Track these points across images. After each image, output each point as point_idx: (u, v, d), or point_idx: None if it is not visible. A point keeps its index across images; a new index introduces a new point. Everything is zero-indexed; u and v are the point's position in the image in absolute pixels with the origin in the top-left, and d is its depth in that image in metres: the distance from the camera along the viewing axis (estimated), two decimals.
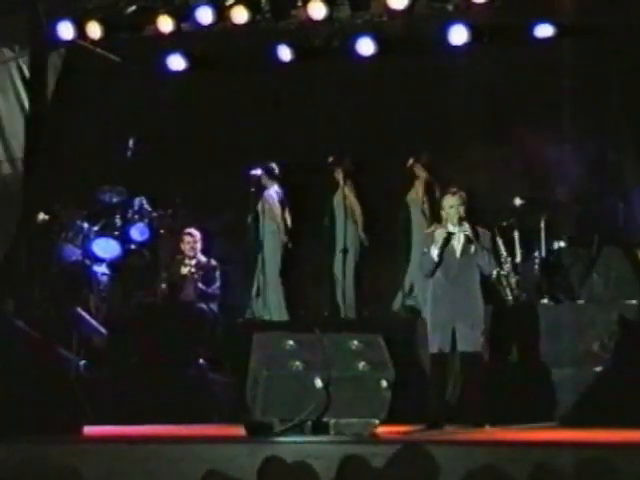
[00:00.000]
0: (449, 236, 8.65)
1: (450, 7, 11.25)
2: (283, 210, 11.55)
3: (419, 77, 11.61)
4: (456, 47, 11.25)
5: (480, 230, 8.81)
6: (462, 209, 8.73)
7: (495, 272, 9.90)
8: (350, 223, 11.33)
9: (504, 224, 10.45)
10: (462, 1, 11.14)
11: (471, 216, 8.84)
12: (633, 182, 10.74)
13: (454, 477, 5.41)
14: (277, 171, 11.57)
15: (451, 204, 8.76)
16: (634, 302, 9.67)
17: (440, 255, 8.64)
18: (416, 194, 11.19)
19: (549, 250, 10.50)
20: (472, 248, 8.64)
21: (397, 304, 11.06)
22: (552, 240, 10.56)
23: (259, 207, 11.48)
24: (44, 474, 5.57)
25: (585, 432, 8.27)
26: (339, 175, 11.40)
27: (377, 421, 7.69)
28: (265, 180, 11.55)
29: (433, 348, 8.63)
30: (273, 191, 11.53)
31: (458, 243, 8.71)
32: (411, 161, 11.06)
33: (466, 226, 8.67)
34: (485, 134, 11.38)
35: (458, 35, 11.16)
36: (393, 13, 11.30)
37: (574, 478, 4.88)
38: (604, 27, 10.79)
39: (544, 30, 10.98)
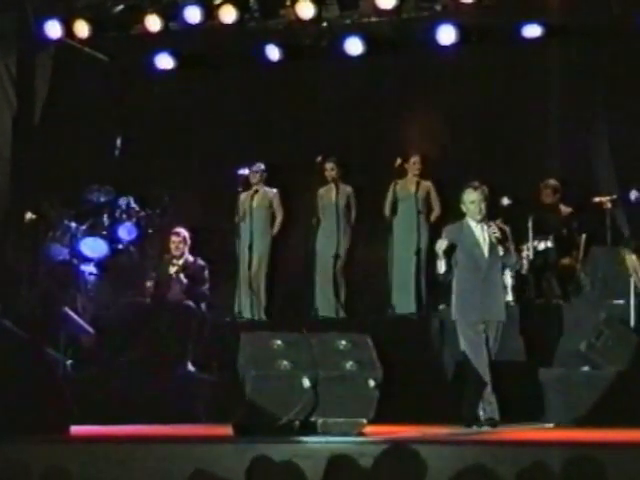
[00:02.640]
0: (450, 247, 8.44)
1: (438, 7, 11.26)
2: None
3: (407, 77, 11.62)
4: (444, 47, 11.25)
5: (501, 226, 8.65)
6: (483, 205, 8.51)
7: None
8: (344, 226, 11.30)
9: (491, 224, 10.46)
10: (450, 1, 11.16)
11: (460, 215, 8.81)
12: (619, 182, 10.76)
13: (442, 477, 5.41)
14: (265, 171, 11.56)
15: (472, 199, 8.53)
16: (621, 302, 9.69)
17: (448, 264, 8.44)
18: (407, 192, 11.19)
19: (536, 250, 10.50)
20: (500, 250, 8.46)
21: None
22: (539, 240, 10.57)
23: (250, 208, 11.46)
24: (30, 474, 5.55)
25: (573, 432, 8.28)
26: (331, 176, 11.38)
27: (365, 420, 7.70)
28: (253, 179, 11.55)
29: (469, 347, 8.41)
30: (269, 189, 11.54)
31: (484, 242, 8.51)
32: (399, 161, 11.06)
33: (494, 227, 8.50)
34: (473, 133, 11.40)
35: (446, 35, 11.17)
36: (381, 13, 11.31)
37: (563, 478, 4.88)
38: (591, 27, 10.81)
39: (532, 30, 11.00)
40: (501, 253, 8.49)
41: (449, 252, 8.48)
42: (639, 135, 10.73)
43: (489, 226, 8.51)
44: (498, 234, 8.48)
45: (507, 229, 8.71)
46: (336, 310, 11.27)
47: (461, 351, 8.54)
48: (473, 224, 8.56)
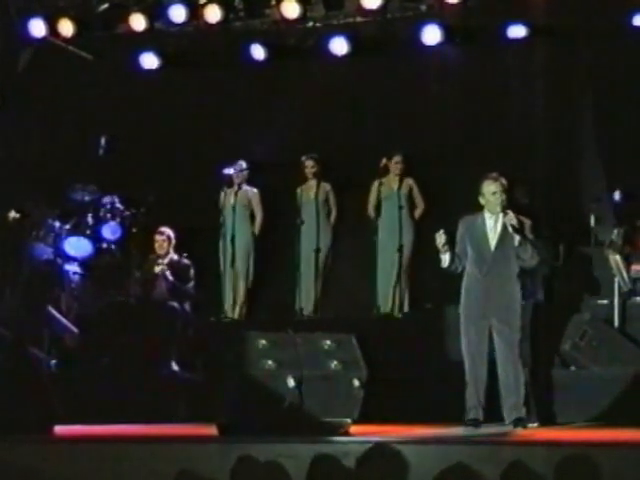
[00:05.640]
0: (447, 238, 8.25)
1: (423, 7, 11.27)
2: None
3: (392, 77, 11.63)
4: (429, 47, 11.27)
5: (522, 219, 8.41)
6: (504, 197, 8.32)
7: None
8: (324, 223, 11.33)
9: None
10: (435, 1, 11.17)
11: (448, 216, 8.78)
12: (604, 182, 10.80)
13: (426, 476, 5.42)
14: (247, 169, 11.57)
15: (493, 191, 8.33)
16: (605, 302, 9.71)
17: (452, 257, 8.27)
18: (390, 190, 11.20)
19: None
20: (517, 240, 8.21)
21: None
22: None
23: (232, 205, 11.45)
24: (14, 474, 5.54)
25: (557, 431, 8.31)
26: (312, 173, 11.41)
27: (349, 420, 7.70)
28: (238, 179, 11.55)
29: (466, 344, 8.32)
30: (249, 189, 11.55)
31: (494, 235, 8.33)
32: (384, 160, 11.08)
33: (511, 215, 8.24)
34: (457, 133, 11.41)
35: (431, 35, 11.19)
36: (367, 13, 11.32)
37: (546, 476, 4.90)
38: (576, 28, 10.85)
39: (516, 31, 11.02)
40: (516, 243, 8.23)
41: (451, 244, 8.31)
42: (624, 135, 10.78)
43: (506, 214, 8.28)
44: (515, 222, 8.23)
45: (528, 222, 8.44)
46: (320, 309, 11.27)
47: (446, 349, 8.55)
48: (488, 216, 8.39)
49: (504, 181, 8.47)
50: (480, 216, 8.47)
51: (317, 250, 11.19)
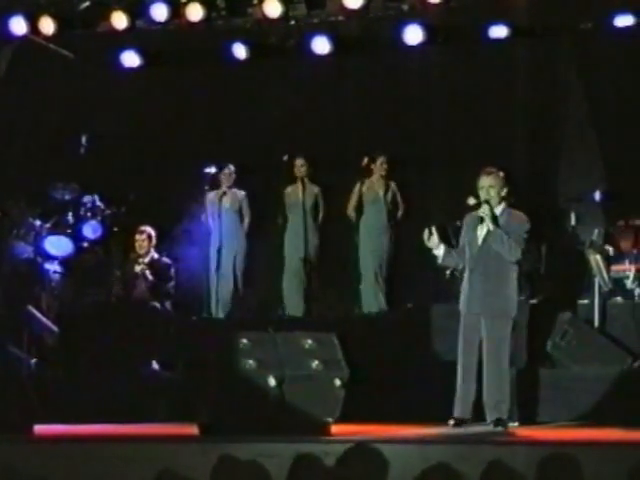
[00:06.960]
0: (431, 235, 8.19)
1: (405, 7, 11.28)
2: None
3: (374, 76, 11.64)
4: (411, 47, 11.29)
5: (514, 213, 8.27)
6: (493, 191, 8.18)
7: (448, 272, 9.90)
8: (311, 225, 11.29)
9: (457, 223, 10.45)
10: (417, 1, 11.18)
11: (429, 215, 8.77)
12: (584, 183, 10.84)
13: (407, 476, 5.42)
14: (235, 172, 11.54)
15: (482, 185, 8.23)
16: (586, 302, 9.75)
17: (445, 251, 8.21)
18: (375, 193, 11.20)
19: None
20: (488, 228, 8.10)
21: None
22: None
23: (216, 207, 11.42)
24: None
25: (537, 431, 8.33)
26: (300, 172, 11.36)
27: (330, 420, 7.70)
28: (224, 180, 11.51)
29: (459, 349, 8.27)
30: (237, 191, 11.51)
31: (482, 230, 8.21)
32: (366, 160, 11.08)
33: (485, 207, 8.11)
34: (439, 133, 11.43)
35: (413, 35, 11.21)
36: (349, 12, 11.32)
37: (527, 476, 4.91)
38: (557, 28, 10.88)
39: (498, 31, 11.05)
40: (489, 233, 8.12)
41: (442, 240, 8.26)
42: (605, 135, 10.81)
43: (481, 206, 8.15)
44: (487, 213, 8.11)
45: (516, 215, 8.26)
46: (304, 309, 11.26)
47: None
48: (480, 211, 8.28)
49: (500, 175, 8.35)
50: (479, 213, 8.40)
51: (305, 257, 11.14)
